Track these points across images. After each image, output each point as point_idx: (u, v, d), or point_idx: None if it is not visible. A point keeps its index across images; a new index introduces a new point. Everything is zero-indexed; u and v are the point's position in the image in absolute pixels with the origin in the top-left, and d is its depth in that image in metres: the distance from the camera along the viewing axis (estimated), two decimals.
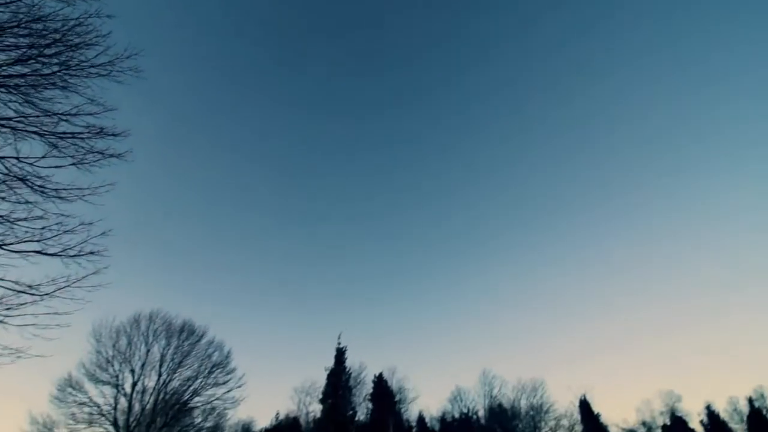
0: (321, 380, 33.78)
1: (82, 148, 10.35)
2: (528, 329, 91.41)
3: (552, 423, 37.52)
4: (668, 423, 44.64)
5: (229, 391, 30.02)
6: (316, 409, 32.38)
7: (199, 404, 29.23)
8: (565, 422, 38.05)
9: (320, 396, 32.08)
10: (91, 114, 10.61)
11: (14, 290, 9.43)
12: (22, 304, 9.45)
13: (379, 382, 34.26)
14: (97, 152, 10.44)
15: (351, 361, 34.14)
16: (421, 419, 38.04)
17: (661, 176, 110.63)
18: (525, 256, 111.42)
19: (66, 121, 10.23)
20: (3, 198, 9.48)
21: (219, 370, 30.00)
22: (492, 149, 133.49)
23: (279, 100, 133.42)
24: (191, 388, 28.73)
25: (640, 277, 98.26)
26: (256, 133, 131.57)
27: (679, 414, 45.05)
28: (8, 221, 9.42)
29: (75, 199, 10.35)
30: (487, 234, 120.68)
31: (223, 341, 31.93)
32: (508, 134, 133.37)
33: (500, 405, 41.02)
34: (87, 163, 10.46)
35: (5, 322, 9.30)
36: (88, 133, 10.54)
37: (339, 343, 34.06)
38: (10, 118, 9.91)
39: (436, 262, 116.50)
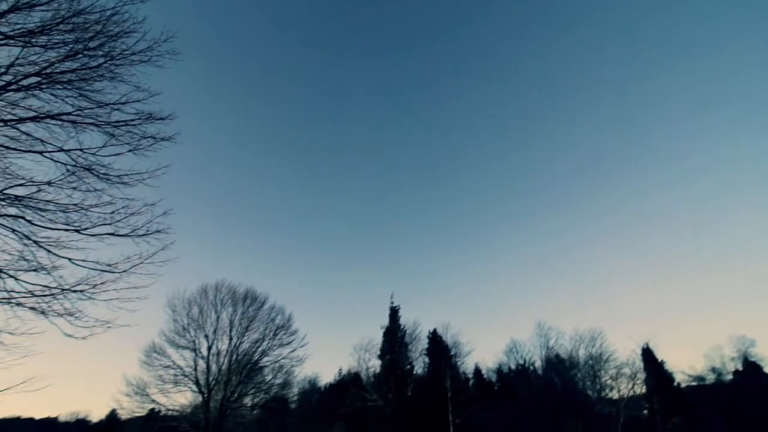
0: (378, 338, 35.35)
1: (136, 134, 10.96)
2: (583, 280, 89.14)
3: (612, 372, 37.00)
4: (740, 368, 42.58)
5: (293, 351, 32.33)
6: (375, 364, 34.11)
7: (268, 363, 31.79)
8: (626, 371, 37.37)
9: (378, 352, 33.66)
10: (138, 101, 11.10)
11: (97, 269, 10.46)
12: (104, 282, 10.50)
13: (434, 337, 35.23)
14: (149, 137, 11.02)
15: (405, 319, 35.31)
16: (477, 371, 39.00)
17: None
18: (580, 202, 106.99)
19: (117, 110, 10.80)
20: (74, 188, 10.34)
21: (282, 332, 32.22)
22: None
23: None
24: (259, 349, 31.19)
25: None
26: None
27: (753, 359, 42.74)
28: (82, 208, 10.31)
29: (136, 183, 11.08)
30: (537, 183, 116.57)
31: (284, 306, 34.11)
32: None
33: (557, 356, 40.98)
34: (142, 149, 11.10)
35: (94, 298, 10.41)
36: (138, 119, 11.10)
37: (392, 303, 35.17)
38: (70, 113, 10.62)
39: (486, 213, 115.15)
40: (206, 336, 29.83)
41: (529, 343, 42.76)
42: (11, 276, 9.61)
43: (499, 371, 40.69)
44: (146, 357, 28.87)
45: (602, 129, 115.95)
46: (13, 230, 9.75)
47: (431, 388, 31.63)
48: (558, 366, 39.71)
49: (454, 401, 29.25)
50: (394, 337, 33.47)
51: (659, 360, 39.90)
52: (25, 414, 71.76)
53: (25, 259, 9.78)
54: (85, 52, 10.48)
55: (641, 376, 38.43)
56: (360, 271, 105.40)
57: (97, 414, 78.25)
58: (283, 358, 31.99)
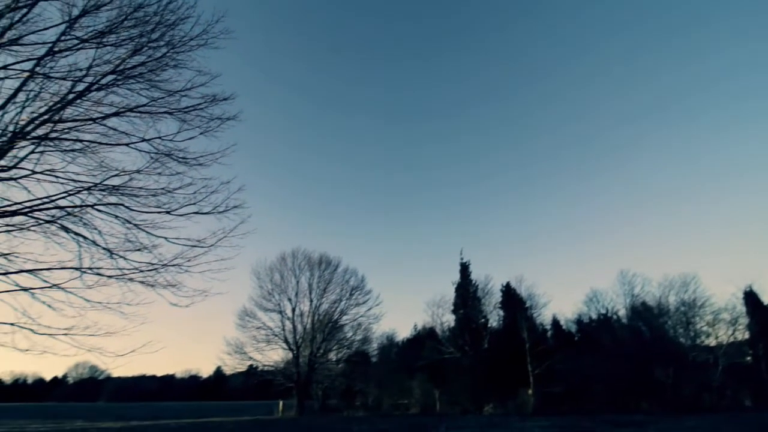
0: (450, 294, 35.79)
1: (204, 117, 11.64)
2: (670, 224, 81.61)
3: (709, 318, 34.12)
4: None
5: (369, 309, 34.03)
6: (449, 319, 34.80)
7: (347, 322, 33.88)
8: (725, 316, 34.23)
9: (451, 308, 34.19)
10: (202, 85, 11.67)
11: (188, 245, 11.59)
12: (196, 256, 11.65)
13: (507, 290, 34.84)
14: (216, 119, 11.65)
15: (476, 274, 35.22)
16: (555, 322, 38.17)
17: None
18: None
19: (185, 96, 11.46)
20: (159, 173, 11.34)
21: (357, 293, 33.90)
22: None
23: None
24: (338, 309, 33.23)
25: None
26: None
27: None
28: (169, 192, 11.32)
29: (210, 164, 11.87)
30: (614, 120, 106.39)
31: (356, 268, 35.65)
32: None
33: (644, 303, 38.59)
34: (211, 130, 11.79)
35: (189, 271, 11.63)
36: (204, 102, 11.71)
37: (462, 258, 35.10)
38: (145, 104, 11.48)
39: (561, 157, 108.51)
40: (289, 299, 32.38)
41: (611, 292, 40.64)
42: (121, 256, 10.98)
43: (579, 322, 39.46)
44: (240, 320, 32.21)
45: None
46: (116, 216, 11.01)
47: (507, 340, 31.68)
48: (645, 314, 37.47)
49: (532, 352, 29.09)
50: (466, 293, 33.65)
51: (765, 303, 36.02)
52: (149, 372, 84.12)
53: (130, 241, 11.08)
54: (149, 45, 11.11)
55: (743, 321, 35.04)
56: (428, 227, 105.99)
57: (206, 371, 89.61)
58: (361, 317, 33.94)
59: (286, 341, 31.91)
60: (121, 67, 11.01)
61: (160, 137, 11.31)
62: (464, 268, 34.79)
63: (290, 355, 32.15)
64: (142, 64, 11.23)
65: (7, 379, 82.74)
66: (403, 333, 52.38)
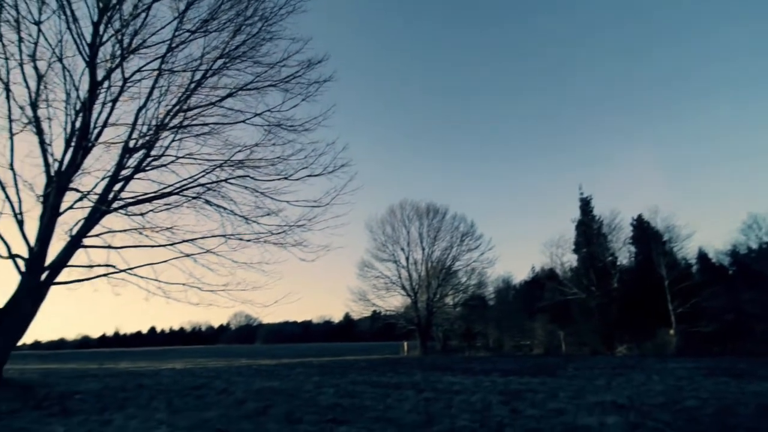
0: (569, 232, 33.48)
1: (303, 83, 12.12)
2: None
3: None
4: None
5: (482, 254, 33.74)
6: (570, 259, 32.76)
7: (460, 267, 34.20)
8: None
9: (572, 247, 32.02)
10: (297, 52, 12.03)
11: (308, 206, 12.56)
12: (315, 216, 12.61)
13: (639, 224, 31.18)
14: (314, 83, 12.03)
15: (600, 209, 32.06)
16: (702, 255, 33.26)
17: None
18: None
19: (284, 66, 11.97)
20: (274, 144, 12.28)
21: (468, 238, 33.72)
22: None
23: None
24: (450, 255, 33.62)
25: None
26: None
27: None
28: (284, 159, 12.23)
29: (315, 128, 12.43)
30: None
31: (465, 214, 35.21)
32: None
33: None
34: (311, 95, 12.27)
35: (312, 229, 12.70)
36: (301, 69, 12.10)
37: (581, 193, 32.21)
38: (252, 81, 12.30)
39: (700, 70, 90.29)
40: (402, 249, 33.72)
41: None
42: (254, 221, 12.41)
43: (733, 253, 33.77)
44: (360, 271, 34.77)
45: None
46: (245, 187, 12.35)
47: (641, 278, 28.78)
48: None
49: (673, 289, 26.07)
50: (589, 229, 31.00)
51: None
52: (291, 319, 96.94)
53: (259, 207, 12.43)
54: (245, 23, 11.67)
55: None
56: (541, 165, 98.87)
57: (336, 316, 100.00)
58: (474, 262, 33.92)
59: (403, 288, 33.71)
60: (227, 50, 11.85)
61: (269, 110, 12.12)
62: (585, 204, 31.92)
63: (409, 300, 33.97)
64: (243, 43, 11.89)
65: (187, 327, 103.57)
66: (520, 276, 51.21)
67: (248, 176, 12.27)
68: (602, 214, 31.61)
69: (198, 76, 11.90)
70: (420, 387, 10.94)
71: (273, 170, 12.43)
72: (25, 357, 26.51)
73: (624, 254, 31.63)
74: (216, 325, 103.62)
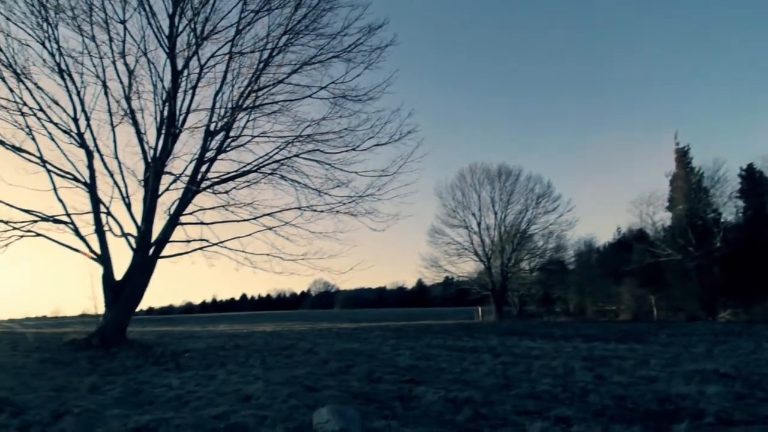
0: (661, 188, 30.21)
1: (365, 50, 11.99)
2: None
3: None
4: None
5: (560, 216, 31.90)
6: (663, 217, 29.73)
7: (536, 231, 32.73)
8: None
9: (666, 204, 28.98)
10: (356, 19, 11.85)
11: (376, 176, 12.69)
12: (384, 185, 12.73)
13: (749, 174, 27.20)
14: (376, 49, 11.85)
15: (701, 160, 28.41)
16: None
17: None
18: None
19: (345, 35, 11.88)
20: (340, 116, 12.44)
21: (544, 200, 31.98)
22: None
23: None
24: (525, 219, 32.25)
25: None
26: None
27: None
28: (351, 130, 12.37)
29: (379, 95, 12.33)
30: None
31: (541, 174, 33.18)
32: None
33: None
34: (373, 62, 12.12)
35: (381, 199, 12.86)
36: (362, 36, 11.93)
37: (677, 144, 28.73)
38: (316, 55, 12.41)
39: None
40: (473, 214, 32.98)
41: None
42: (326, 193, 12.84)
43: None
44: (430, 237, 34.73)
45: None
46: (316, 160, 12.75)
47: (751, 235, 25.32)
48: None
49: None
50: (687, 184, 27.65)
51: None
52: (366, 285, 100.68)
53: (330, 179, 12.81)
54: None
55: None
56: (626, 116, 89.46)
57: (409, 282, 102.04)
58: (551, 224, 32.23)
59: (476, 254, 33.20)
60: (290, 26, 12.01)
61: (333, 82, 12.22)
62: (682, 155, 28.44)
63: (482, 266, 33.46)
64: (305, 16, 11.94)
65: (273, 293, 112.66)
66: (604, 237, 47.63)
67: (318, 150, 12.64)
68: (702, 165, 27.97)
69: (265, 55, 12.29)
70: (497, 351, 10.87)
71: (341, 142, 12.67)
72: (142, 321, 30.71)
73: (729, 210, 27.96)
74: (298, 291, 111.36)
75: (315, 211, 12.88)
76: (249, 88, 12.40)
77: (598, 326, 21.50)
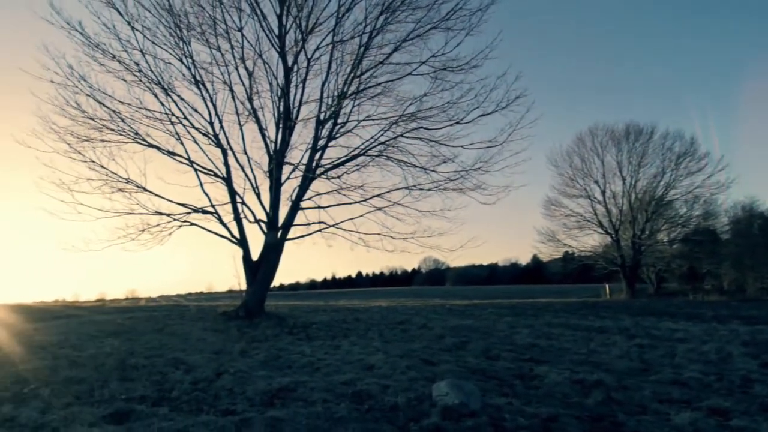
0: None
1: (465, 15, 11.42)
2: None
3: None
4: None
5: (709, 177, 26.93)
6: None
7: (677, 196, 28.17)
8: None
9: None
10: None
11: (483, 148, 12.19)
12: (492, 157, 12.18)
13: None
14: (476, 11, 11.21)
15: None
16: None
17: None
18: None
19: (442, 3, 11.43)
20: (442, 89, 12.14)
21: (687, 159, 27.28)
22: None
23: None
24: (661, 183, 27.97)
25: None
26: None
27: None
28: (453, 103, 12.02)
29: (482, 62, 11.70)
30: None
31: (682, 130, 28.19)
32: None
33: None
34: (474, 27, 11.49)
35: (489, 171, 12.34)
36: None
37: None
38: (413, 30, 12.22)
39: None
40: (596, 182, 29.67)
41: None
42: (432, 170, 12.77)
43: None
44: (546, 209, 32.24)
45: None
46: (420, 138, 12.72)
47: None
48: None
49: None
50: None
51: None
52: (477, 262, 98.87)
53: (435, 156, 12.68)
54: None
55: None
56: None
57: (523, 258, 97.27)
58: (696, 188, 27.36)
59: (600, 225, 29.98)
60: (385, 5, 11.99)
61: (433, 55, 11.94)
62: None
63: (608, 239, 30.14)
64: None
65: (386, 271, 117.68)
66: None
67: (421, 127, 12.58)
68: None
69: (365, 39, 12.52)
70: (630, 332, 9.80)
71: (444, 117, 12.40)
72: (275, 296, 34.76)
73: None
74: (409, 269, 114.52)
75: (422, 189, 12.94)
76: (352, 75, 12.80)
77: (762, 306, 17.94)
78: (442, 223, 12.98)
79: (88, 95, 11.06)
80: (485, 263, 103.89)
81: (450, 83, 12.22)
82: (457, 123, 12.22)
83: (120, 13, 11.09)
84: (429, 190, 12.92)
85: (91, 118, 11.11)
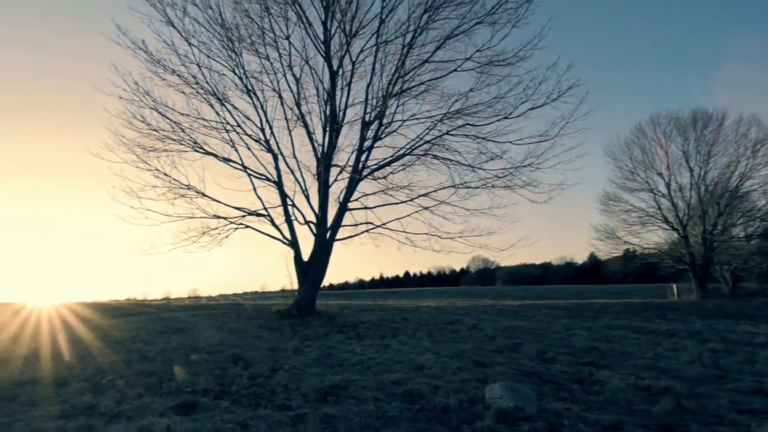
0: None
1: (510, 6, 11.08)
2: None
3: None
4: None
5: None
6: None
7: (754, 187, 25.59)
8: None
9: None
10: None
11: (533, 143, 11.74)
12: (543, 152, 11.71)
13: None
14: (524, 2, 10.84)
15: None
16: None
17: None
18: None
19: None
20: (488, 84, 11.86)
21: (766, 146, 24.70)
22: None
23: None
24: (735, 173, 25.53)
25: None
26: None
27: None
28: (501, 98, 11.70)
29: (530, 54, 11.32)
30: None
31: (758, 114, 25.51)
32: None
33: None
34: (521, 18, 11.13)
35: (540, 168, 11.87)
36: None
37: None
38: (457, 27, 12.04)
39: None
40: (659, 174, 27.60)
41: None
42: (479, 168, 12.49)
43: None
44: (603, 205, 30.42)
45: None
46: (466, 135, 12.48)
47: None
48: None
49: None
50: None
51: None
52: (529, 261, 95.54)
53: (482, 153, 12.39)
54: None
55: None
56: None
57: (579, 257, 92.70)
58: None
59: (665, 221, 27.85)
60: (429, 2, 11.90)
61: (478, 50, 11.69)
62: None
63: (675, 235, 27.94)
64: None
65: (434, 271, 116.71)
66: None
67: (468, 124, 12.33)
68: None
69: (408, 38, 12.49)
70: (702, 336, 9.04)
71: (491, 112, 12.08)
72: (326, 296, 35.56)
73: None
74: (457, 268, 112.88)
75: (469, 187, 12.69)
76: (396, 74, 12.82)
77: None
78: (491, 221, 12.67)
79: (152, 108, 11.91)
80: (538, 262, 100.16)
81: (496, 77, 11.90)
82: (505, 118, 11.86)
83: (178, 31, 11.84)
84: (476, 188, 12.65)
85: (155, 130, 11.95)
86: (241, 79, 12.76)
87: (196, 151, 12.49)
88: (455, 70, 12.37)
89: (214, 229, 12.83)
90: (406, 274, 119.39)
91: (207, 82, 12.36)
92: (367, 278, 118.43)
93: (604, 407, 4.14)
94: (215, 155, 12.79)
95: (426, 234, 13.06)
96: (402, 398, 4.31)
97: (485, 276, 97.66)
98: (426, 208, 13.13)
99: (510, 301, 23.53)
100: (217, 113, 12.65)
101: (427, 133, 12.83)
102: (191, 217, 12.57)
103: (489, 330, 9.80)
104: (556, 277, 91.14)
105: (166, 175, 12.15)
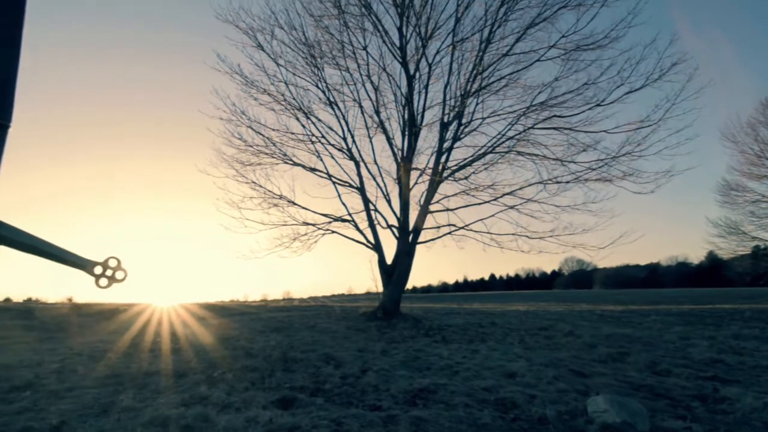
0: None
1: None
2: None
3: None
4: None
5: None
6: None
7: None
8: None
9: None
10: None
11: (632, 129, 10.66)
12: (645, 137, 10.55)
13: None
14: None
15: None
16: None
17: None
18: None
19: None
20: (575, 71, 11.04)
21: None
22: None
23: None
24: None
25: None
26: None
27: None
28: (591, 83, 10.80)
29: (623, 33, 10.36)
30: None
31: None
32: None
33: None
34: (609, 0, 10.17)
35: (643, 155, 10.72)
36: None
37: None
38: (539, 14, 11.39)
39: None
40: None
41: None
42: (570, 161, 11.65)
43: None
44: (722, 196, 26.39)
45: None
46: (553, 128, 11.74)
47: None
48: None
49: None
50: None
51: None
52: (632, 261, 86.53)
53: (572, 145, 11.54)
54: None
55: None
56: None
57: (694, 256, 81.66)
58: None
59: None
60: None
61: (563, 36, 10.98)
62: None
63: None
64: None
65: (522, 273, 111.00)
66: None
67: (554, 116, 11.58)
68: None
69: (486, 33, 12.12)
70: None
71: (581, 100, 11.21)
72: (410, 299, 35.69)
73: None
74: (548, 270, 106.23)
75: (559, 182, 11.87)
76: (474, 72, 12.51)
77: None
78: (586, 218, 11.74)
79: (247, 126, 13.06)
80: (643, 263, 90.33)
81: (585, 62, 11.02)
82: (598, 105, 10.91)
83: (267, 53, 12.85)
84: (567, 182, 11.79)
85: (250, 146, 13.09)
86: (323, 92, 13.44)
87: (286, 162, 13.40)
88: (538, 60, 11.71)
89: (303, 235, 13.63)
90: (492, 276, 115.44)
91: (293, 98, 13.22)
92: (451, 281, 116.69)
93: (733, 428, 3.57)
94: (303, 166, 13.60)
95: (513, 234, 12.50)
96: (494, 406, 4.14)
97: (581, 278, 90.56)
98: (511, 207, 12.57)
99: (611, 305, 21.49)
100: (303, 126, 13.46)
101: (510, 129, 12.31)
102: (284, 225, 13.51)
103: (587, 337, 9.03)
104: (666, 279, 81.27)
105: (261, 186, 13.21)
